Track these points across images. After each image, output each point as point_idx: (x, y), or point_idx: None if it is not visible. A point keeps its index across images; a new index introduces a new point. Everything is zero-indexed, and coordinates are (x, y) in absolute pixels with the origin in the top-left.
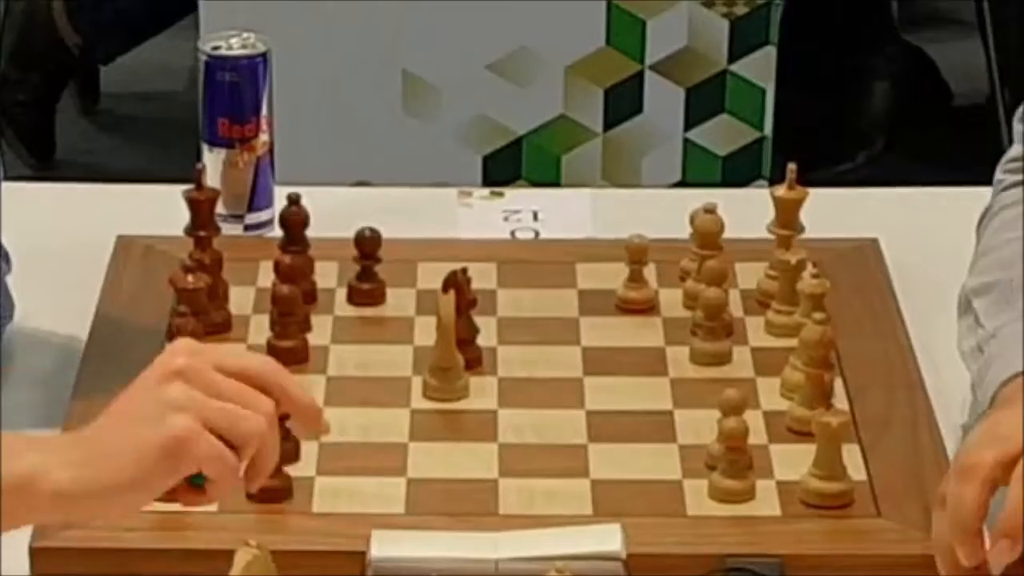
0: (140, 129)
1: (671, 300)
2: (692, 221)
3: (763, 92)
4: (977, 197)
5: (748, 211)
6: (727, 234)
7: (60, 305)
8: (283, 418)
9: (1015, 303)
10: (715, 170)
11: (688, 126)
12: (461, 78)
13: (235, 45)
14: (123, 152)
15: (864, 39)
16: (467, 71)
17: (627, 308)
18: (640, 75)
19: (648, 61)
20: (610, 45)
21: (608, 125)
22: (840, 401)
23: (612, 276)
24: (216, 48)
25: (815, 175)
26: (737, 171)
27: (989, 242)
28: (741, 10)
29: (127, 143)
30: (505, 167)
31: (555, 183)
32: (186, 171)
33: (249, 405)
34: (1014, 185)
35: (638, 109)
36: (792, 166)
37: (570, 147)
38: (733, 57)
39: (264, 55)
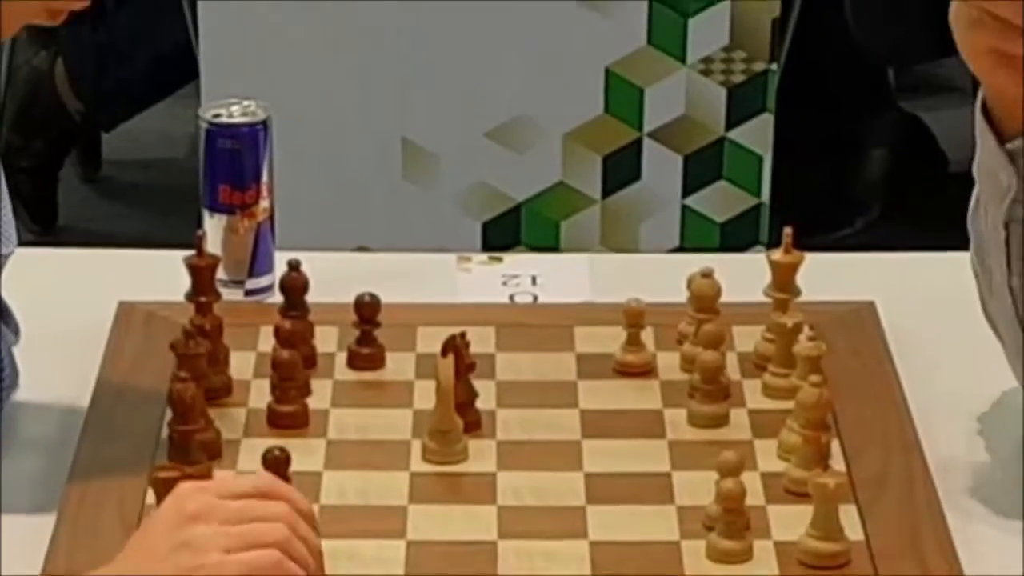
0: (141, 196)
1: (669, 363)
2: (689, 285)
3: (760, 159)
4: None
5: (745, 275)
6: (724, 298)
7: (62, 371)
8: (284, 479)
9: None
10: (713, 236)
11: (686, 193)
12: (460, 145)
13: (236, 113)
14: (125, 219)
15: (861, 106)
16: (466, 138)
17: (625, 371)
18: (638, 142)
19: (646, 128)
20: (608, 113)
21: (607, 192)
22: (837, 462)
23: (610, 340)
24: (217, 116)
25: (813, 241)
26: (735, 237)
27: None
28: (738, 78)
29: (129, 210)
30: (504, 233)
31: (554, 249)
32: (187, 237)
33: (267, 517)
34: None
35: (636, 176)
36: (788, 230)
37: (569, 213)
38: (731, 124)
39: (264, 122)
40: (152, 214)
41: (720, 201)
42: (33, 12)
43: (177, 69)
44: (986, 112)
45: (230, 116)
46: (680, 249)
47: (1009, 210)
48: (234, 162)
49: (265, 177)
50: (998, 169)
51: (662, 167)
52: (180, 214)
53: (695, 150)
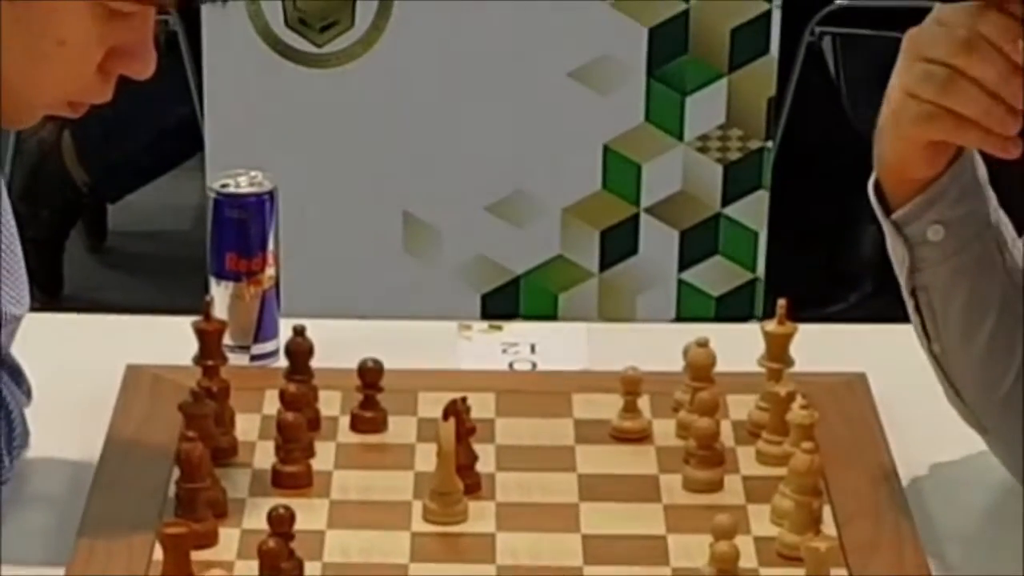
0: (147, 267)
1: (664, 430)
2: (685, 354)
3: (756, 235)
4: None
5: (740, 345)
6: (719, 367)
7: (72, 431)
8: (288, 537)
9: None
10: (709, 310)
11: (682, 267)
12: (460, 219)
13: (243, 183)
14: (130, 289)
15: (854, 183)
16: (466, 212)
17: (622, 437)
18: (636, 217)
19: (643, 204)
20: (606, 188)
21: (604, 265)
22: (829, 527)
23: (607, 406)
24: (225, 186)
25: (806, 315)
26: (731, 312)
27: None
28: (734, 155)
29: (134, 280)
30: (503, 305)
31: (553, 320)
32: (192, 308)
33: None
34: None
35: (633, 250)
36: (782, 302)
37: (567, 286)
38: (726, 201)
39: (271, 193)
40: (157, 285)
41: (716, 276)
42: (56, 105)
43: (182, 142)
44: (877, 188)
45: (237, 186)
46: (676, 322)
47: (910, 279)
48: (241, 231)
49: (271, 246)
50: (893, 241)
51: (659, 242)
52: (185, 285)
53: (691, 226)
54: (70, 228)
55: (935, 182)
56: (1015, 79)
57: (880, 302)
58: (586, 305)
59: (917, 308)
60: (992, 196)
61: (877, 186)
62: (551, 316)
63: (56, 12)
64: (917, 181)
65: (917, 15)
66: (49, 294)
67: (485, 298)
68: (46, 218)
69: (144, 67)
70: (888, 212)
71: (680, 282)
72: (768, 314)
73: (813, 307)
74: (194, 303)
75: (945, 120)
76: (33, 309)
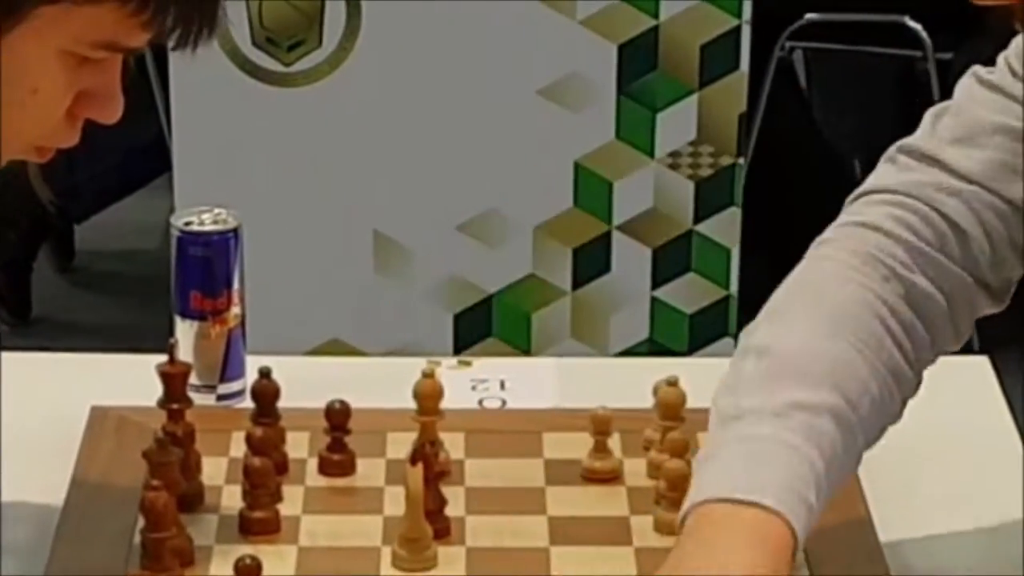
0: (116, 286)
1: (635, 469)
2: (655, 393)
3: (728, 252)
4: (939, 368)
5: (711, 380)
6: (690, 403)
7: (35, 477)
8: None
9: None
10: (682, 328)
11: (655, 285)
12: (432, 239)
13: (207, 221)
14: (100, 309)
15: (827, 199)
16: (438, 232)
17: (592, 478)
18: (608, 235)
19: (615, 222)
20: (578, 206)
21: (577, 284)
22: (801, 569)
23: (578, 446)
24: (188, 223)
25: None
26: (704, 329)
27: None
28: (706, 172)
29: (103, 300)
30: (476, 326)
31: (526, 341)
32: (161, 328)
33: None
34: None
35: (606, 268)
36: None
37: (540, 305)
38: (699, 218)
39: (235, 230)
40: (126, 304)
41: (689, 293)
42: (22, 150)
43: (150, 162)
44: None
45: (201, 224)
46: (650, 340)
47: None
48: (205, 269)
49: (236, 285)
50: None
51: (631, 260)
52: (154, 304)
53: (664, 243)
54: (37, 249)
55: None
56: None
57: None
58: (559, 324)
59: None
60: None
61: None
62: (524, 335)
63: (29, 60)
64: None
65: (888, 29)
66: (18, 316)
67: (457, 318)
68: (12, 238)
69: (112, 112)
70: None
71: (653, 299)
72: (742, 332)
73: None
74: (163, 323)
75: None
76: (2, 332)
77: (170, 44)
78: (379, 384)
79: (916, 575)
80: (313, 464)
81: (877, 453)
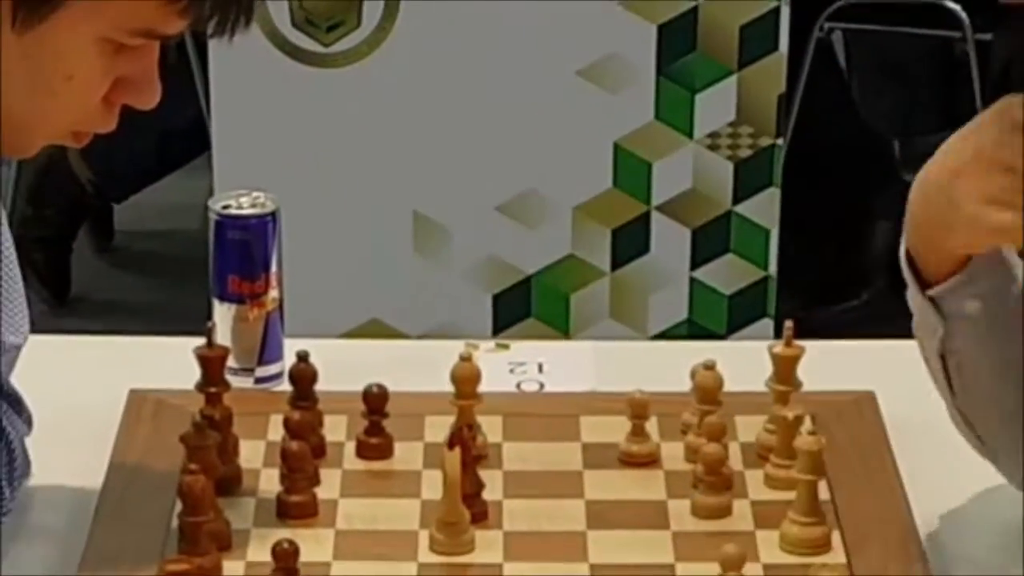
0: (155, 266)
1: (673, 453)
2: (693, 376)
3: (767, 233)
4: None
5: (748, 364)
6: (728, 386)
7: (74, 458)
8: (292, 572)
9: None
10: (721, 309)
11: (694, 266)
12: (471, 219)
13: (245, 204)
14: (138, 290)
15: (866, 179)
16: (477, 212)
17: (630, 461)
18: (647, 216)
19: (654, 202)
20: (617, 187)
21: (616, 264)
22: (838, 553)
23: (615, 429)
24: (226, 207)
25: (819, 314)
26: (743, 310)
27: None
28: (745, 152)
29: (142, 280)
30: (515, 306)
31: (564, 322)
32: (199, 309)
33: None
34: None
35: (645, 249)
36: (789, 323)
37: (579, 286)
38: (738, 199)
39: (273, 213)
40: (166, 284)
41: (728, 274)
42: (59, 136)
43: (189, 143)
44: (908, 258)
45: (239, 207)
46: (688, 321)
47: (941, 344)
48: (243, 253)
49: (274, 268)
50: (924, 313)
51: (670, 240)
52: (193, 284)
53: (703, 224)
54: (77, 228)
55: (974, 258)
56: None
57: (893, 299)
58: (598, 305)
59: (944, 368)
60: (1019, 263)
61: (908, 256)
62: (563, 316)
63: (64, 48)
64: (956, 260)
65: (926, 10)
66: (57, 296)
67: (496, 298)
68: (52, 217)
69: (149, 98)
70: (922, 283)
71: (692, 280)
72: (781, 313)
73: (825, 305)
74: (202, 303)
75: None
76: (41, 311)
77: (208, 32)
78: (417, 367)
79: (948, 551)
80: (351, 448)
81: (913, 430)
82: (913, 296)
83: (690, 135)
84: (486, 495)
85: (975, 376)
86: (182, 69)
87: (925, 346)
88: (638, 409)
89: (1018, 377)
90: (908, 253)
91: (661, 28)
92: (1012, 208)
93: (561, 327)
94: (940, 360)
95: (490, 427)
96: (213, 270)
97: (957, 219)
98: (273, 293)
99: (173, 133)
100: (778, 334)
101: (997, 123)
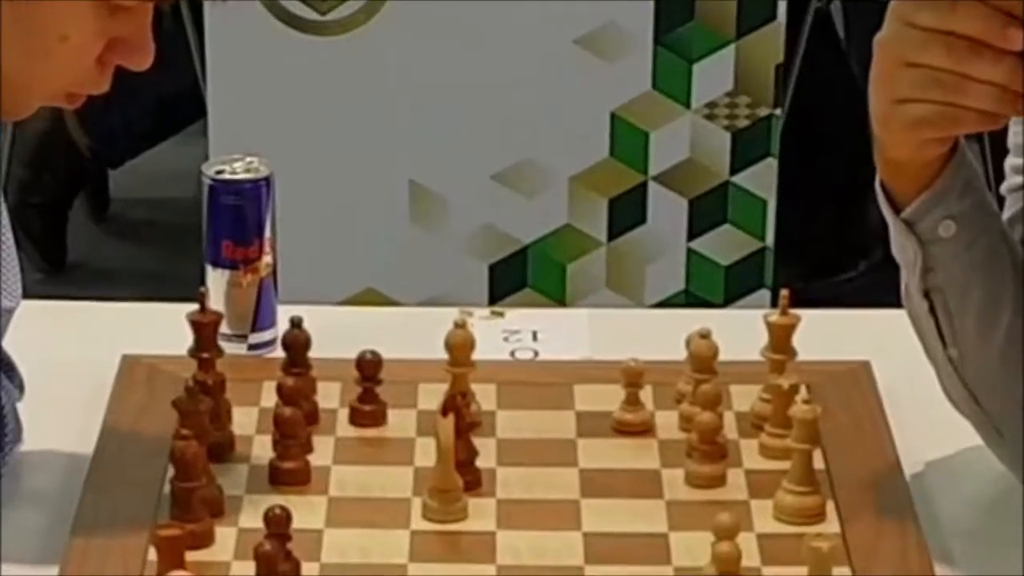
0: (150, 234)
1: (667, 422)
2: (688, 345)
3: (764, 203)
4: None
5: (743, 332)
6: (723, 355)
7: (66, 424)
8: (285, 538)
9: None
10: (718, 279)
11: (691, 236)
12: (467, 188)
13: (239, 169)
14: (134, 257)
15: (864, 150)
16: (473, 181)
17: (624, 430)
18: (644, 186)
19: (651, 172)
20: (614, 156)
21: (612, 235)
22: (832, 523)
23: (609, 398)
24: (220, 172)
25: (816, 284)
26: (740, 280)
27: None
28: (742, 123)
29: (138, 248)
30: (511, 276)
31: (561, 292)
32: (195, 276)
33: None
34: None
35: (642, 219)
36: (785, 292)
37: (575, 256)
38: (735, 169)
39: (267, 179)
40: (161, 252)
41: (725, 245)
42: (54, 97)
43: (185, 108)
44: (883, 188)
45: (233, 172)
46: (685, 292)
47: (923, 279)
48: (237, 218)
49: (268, 233)
50: (903, 240)
51: (667, 210)
52: (189, 252)
53: (700, 194)
54: (74, 196)
55: (939, 177)
56: (1019, 66)
57: (891, 270)
58: (595, 275)
59: (931, 311)
60: (980, 175)
61: (883, 186)
62: (559, 286)
63: (58, 9)
64: (922, 179)
65: None
66: (53, 263)
67: (492, 268)
68: (49, 183)
69: (143, 58)
70: (897, 212)
71: (689, 251)
72: (778, 283)
73: (823, 276)
74: (197, 271)
75: (948, 116)
76: (38, 280)
77: None
78: (411, 334)
79: (943, 520)
80: (344, 414)
81: (908, 399)
82: (892, 226)
83: (687, 105)
84: (479, 463)
85: (961, 315)
86: (178, 34)
87: (911, 290)
88: (632, 378)
89: (1006, 312)
90: (882, 184)
91: None
92: (924, 100)
93: (557, 297)
94: (926, 301)
95: (484, 395)
96: (206, 235)
97: (884, 126)
98: (267, 259)
99: (170, 98)
100: (775, 305)
101: (891, 23)
